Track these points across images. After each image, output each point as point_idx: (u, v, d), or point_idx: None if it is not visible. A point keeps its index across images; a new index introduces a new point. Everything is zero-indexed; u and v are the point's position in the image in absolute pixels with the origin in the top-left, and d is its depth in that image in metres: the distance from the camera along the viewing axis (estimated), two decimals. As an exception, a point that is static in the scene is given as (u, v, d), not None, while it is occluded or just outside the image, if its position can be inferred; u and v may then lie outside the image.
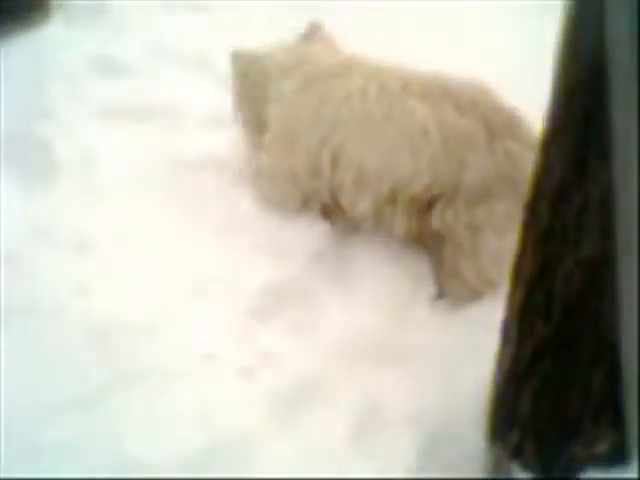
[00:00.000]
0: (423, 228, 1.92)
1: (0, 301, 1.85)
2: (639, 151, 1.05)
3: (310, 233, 2.07)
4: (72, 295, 1.91)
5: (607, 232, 1.14)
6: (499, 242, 1.84)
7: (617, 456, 1.31)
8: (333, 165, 1.95)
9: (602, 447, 1.35)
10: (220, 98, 2.33)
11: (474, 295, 1.91)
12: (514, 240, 1.64)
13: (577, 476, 1.38)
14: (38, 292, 1.91)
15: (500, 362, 1.50)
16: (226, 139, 2.32)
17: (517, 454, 1.45)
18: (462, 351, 1.78)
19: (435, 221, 1.89)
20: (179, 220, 2.11)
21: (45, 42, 2.71)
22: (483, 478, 1.55)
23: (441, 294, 1.96)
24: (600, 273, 1.22)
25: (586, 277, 1.25)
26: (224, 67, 2.24)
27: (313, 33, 2.16)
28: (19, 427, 1.58)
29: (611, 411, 1.29)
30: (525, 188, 1.65)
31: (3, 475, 1.49)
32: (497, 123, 1.84)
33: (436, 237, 1.93)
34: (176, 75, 2.67)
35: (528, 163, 1.71)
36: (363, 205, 1.93)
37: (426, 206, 1.90)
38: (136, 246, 2.03)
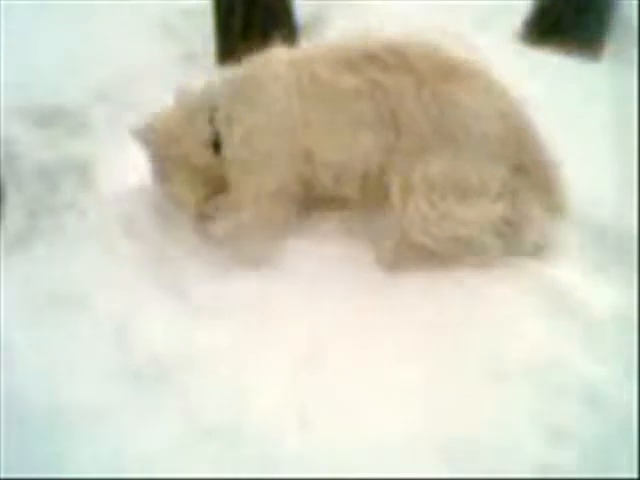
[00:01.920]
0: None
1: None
2: None
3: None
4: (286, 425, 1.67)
5: None
6: (429, 208, 1.81)
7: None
8: (311, 168, 1.93)
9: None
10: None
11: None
12: (447, 207, 1.77)
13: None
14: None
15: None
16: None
17: None
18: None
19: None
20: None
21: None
22: None
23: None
24: None
25: None
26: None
27: None
28: None
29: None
30: (462, 137, 1.76)
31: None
32: (427, 70, 1.80)
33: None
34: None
35: (464, 108, 1.77)
36: (350, 193, 1.95)
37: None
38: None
